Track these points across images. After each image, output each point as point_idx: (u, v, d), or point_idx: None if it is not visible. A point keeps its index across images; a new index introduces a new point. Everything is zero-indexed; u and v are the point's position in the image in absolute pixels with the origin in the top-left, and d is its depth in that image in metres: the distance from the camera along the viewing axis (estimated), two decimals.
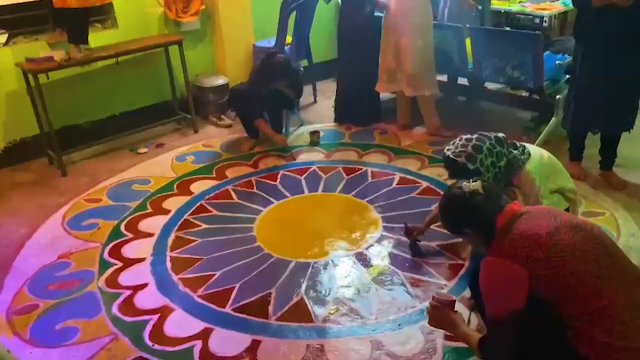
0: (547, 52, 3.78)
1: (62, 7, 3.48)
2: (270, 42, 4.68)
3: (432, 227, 2.79)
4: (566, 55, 3.74)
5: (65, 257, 2.88)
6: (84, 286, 2.63)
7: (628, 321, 1.53)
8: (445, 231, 2.12)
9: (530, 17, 4.63)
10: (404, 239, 2.85)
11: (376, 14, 4.15)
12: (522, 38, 3.64)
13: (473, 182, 1.83)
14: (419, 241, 2.79)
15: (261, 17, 4.81)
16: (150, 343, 2.26)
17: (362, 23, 4.10)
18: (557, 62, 3.72)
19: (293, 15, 4.52)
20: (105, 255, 2.86)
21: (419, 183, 3.44)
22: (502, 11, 4.75)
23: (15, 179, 3.78)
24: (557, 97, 3.60)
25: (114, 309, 2.47)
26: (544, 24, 4.56)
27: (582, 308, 1.55)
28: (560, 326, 1.57)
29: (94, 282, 2.66)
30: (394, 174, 3.57)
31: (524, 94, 4.42)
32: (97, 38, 4.00)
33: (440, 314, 1.95)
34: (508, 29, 4.49)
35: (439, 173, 3.45)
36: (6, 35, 3.80)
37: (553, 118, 3.66)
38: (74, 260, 2.85)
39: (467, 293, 2.33)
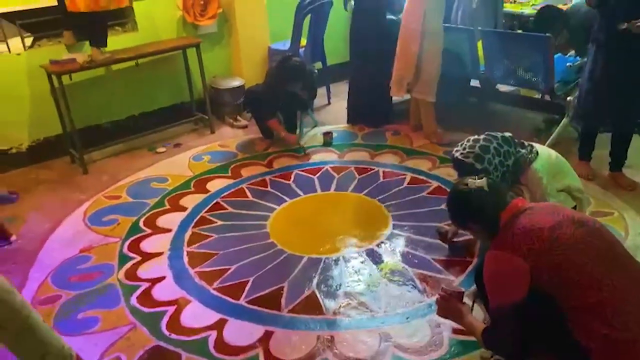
0: (558, 54, 3.81)
1: (74, 11, 3.56)
2: (285, 45, 4.76)
3: (440, 223, 2.86)
4: (577, 57, 3.76)
5: (87, 251, 2.98)
6: (105, 279, 2.73)
7: (627, 314, 1.56)
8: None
9: None
10: (413, 236, 2.91)
11: (388, 16, 4.22)
12: (533, 40, 3.67)
13: (478, 179, 1.89)
14: (457, 241, 2.81)
15: (277, 20, 4.89)
16: (167, 332, 2.35)
17: (374, 26, 4.15)
18: (567, 64, 3.74)
19: (308, 18, 4.60)
20: (125, 250, 2.96)
21: (430, 183, 3.49)
22: (515, 14, 4.79)
23: (39, 176, 3.91)
24: (568, 98, 3.61)
25: (133, 300, 2.56)
26: None
27: (583, 301, 1.58)
28: (562, 318, 1.61)
29: (114, 275, 2.76)
30: (405, 174, 3.62)
31: (536, 95, 4.45)
32: (118, 41, 4.11)
33: (448, 304, 2.01)
34: (520, 31, 4.51)
35: (449, 173, 3.49)
36: (31, 38, 3.94)
37: (564, 119, 3.68)
38: (95, 254, 2.95)
39: (474, 288, 2.37)
